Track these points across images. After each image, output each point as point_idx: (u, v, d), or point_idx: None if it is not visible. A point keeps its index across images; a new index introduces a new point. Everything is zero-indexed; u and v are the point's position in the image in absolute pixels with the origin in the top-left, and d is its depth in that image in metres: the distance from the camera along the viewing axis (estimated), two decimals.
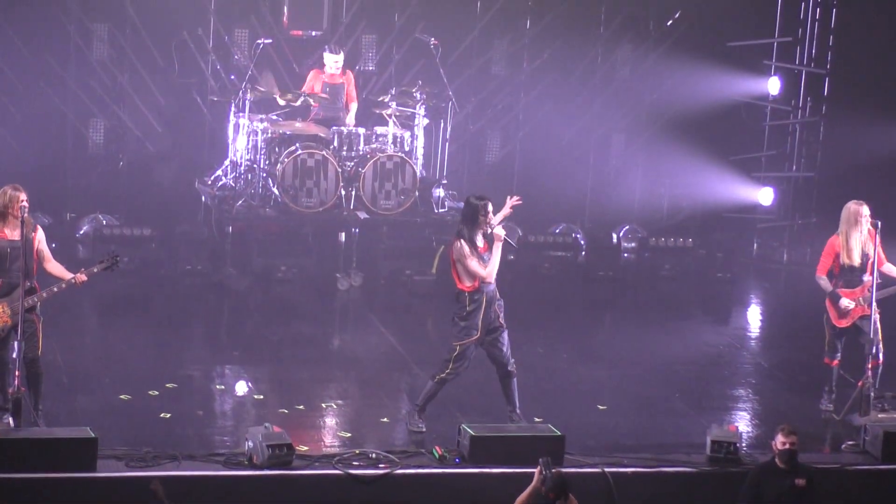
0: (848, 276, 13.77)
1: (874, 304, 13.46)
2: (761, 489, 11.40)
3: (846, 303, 13.72)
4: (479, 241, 12.51)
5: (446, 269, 13.02)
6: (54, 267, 12.27)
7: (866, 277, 13.67)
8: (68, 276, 12.19)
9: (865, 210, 13.70)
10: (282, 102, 18.31)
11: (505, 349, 12.72)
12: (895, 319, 14.17)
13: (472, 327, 12.59)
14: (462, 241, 12.43)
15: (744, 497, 11.46)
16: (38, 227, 12.35)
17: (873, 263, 13.57)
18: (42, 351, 12.19)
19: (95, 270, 12.33)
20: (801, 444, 11.48)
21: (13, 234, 12.01)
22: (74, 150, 19.91)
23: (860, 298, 13.70)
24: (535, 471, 10.78)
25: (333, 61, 18.37)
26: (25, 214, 12.05)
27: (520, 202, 12.78)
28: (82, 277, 12.20)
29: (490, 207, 12.46)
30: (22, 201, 12.06)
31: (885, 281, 13.74)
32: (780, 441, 11.38)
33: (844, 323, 13.81)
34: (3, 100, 19.18)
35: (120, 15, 19.65)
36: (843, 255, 13.78)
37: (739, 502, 11.48)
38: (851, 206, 13.82)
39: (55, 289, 12.16)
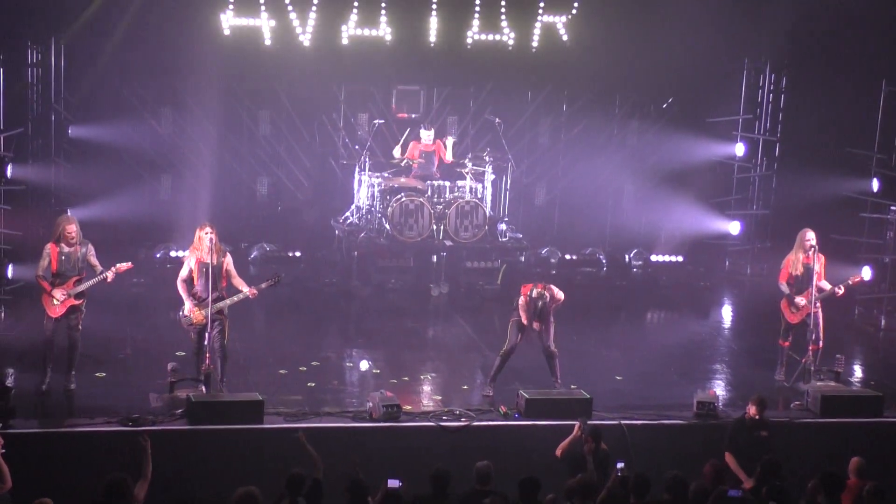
0: (798, 284, 13.62)
1: (815, 304, 13.33)
2: (737, 439, 11.32)
3: (799, 300, 13.58)
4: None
5: (507, 282, 12.96)
6: (238, 282, 12.29)
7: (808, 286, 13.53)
8: (245, 290, 12.26)
9: (808, 235, 13.56)
10: (397, 155, 18.37)
11: (546, 337, 12.74)
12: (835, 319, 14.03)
13: (515, 312, 12.76)
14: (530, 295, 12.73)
15: (726, 445, 11.35)
16: (228, 253, 12.40)
17: (813, 275, 13.41)
18: (228, 340, 12.27)
19: (263, 287, 12.36)
20: (763, 406, 11.40)
21: (208, 258, 12.12)
22: (247, 199, 20.05)
23: (806, 300, 13.55)
24: (576, 425, 10.78)
25: (427, 135, 18.47)
26: (215, 243, 12.11)
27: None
28: (254, 291, 12.24)
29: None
30: (207, 232, 12.13)
31: (822, 291, 13.57)
32: (750, 410, 11.32)
33: (795, 319, 13.69)
34: (199, 167, 19.36)
35: (277, 104, 19.81)
36: (791, 268, 13.69)
37: (724, 448, 11.32)
38: (799, 233, 13.70)
39: (235, 298, 12.23)
